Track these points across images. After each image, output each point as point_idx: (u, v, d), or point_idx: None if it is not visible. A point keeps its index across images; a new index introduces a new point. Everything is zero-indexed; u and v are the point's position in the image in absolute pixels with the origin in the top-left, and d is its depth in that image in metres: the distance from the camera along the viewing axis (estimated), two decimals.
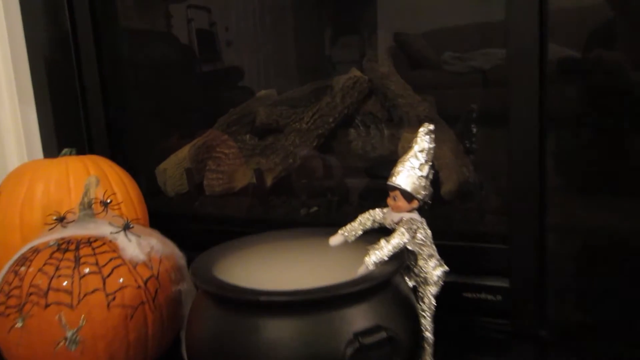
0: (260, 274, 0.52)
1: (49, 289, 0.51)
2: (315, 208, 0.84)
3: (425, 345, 0.52)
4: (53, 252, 0.54)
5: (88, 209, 0.60)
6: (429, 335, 0.52)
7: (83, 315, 0.51)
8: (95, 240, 0.56)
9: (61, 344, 0.51)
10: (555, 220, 0.61)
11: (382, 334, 0.43)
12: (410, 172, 0.52)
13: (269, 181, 0.87)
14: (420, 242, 0.52)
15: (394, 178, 0.52)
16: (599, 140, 0.60)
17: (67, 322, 0.51)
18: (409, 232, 0.50)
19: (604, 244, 0.61)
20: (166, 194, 0.96)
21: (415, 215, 0.52)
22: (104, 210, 0.61)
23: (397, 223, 0.52)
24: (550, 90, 0.59)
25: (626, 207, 0.59)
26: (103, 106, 0.91)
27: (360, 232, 0.55)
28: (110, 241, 0.56)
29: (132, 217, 0.68)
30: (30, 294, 0.52)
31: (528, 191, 0.61)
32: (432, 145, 0.53)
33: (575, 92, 0.61)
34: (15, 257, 0.57)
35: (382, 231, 0.54)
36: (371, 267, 0.48)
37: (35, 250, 0.55)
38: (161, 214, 0.79)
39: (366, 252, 0.49)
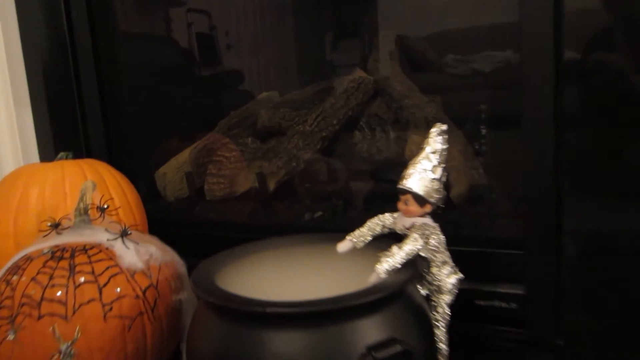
0: (265, 283, 0.50)
1: (42, 299, 0.50)
2: (319, 213, 0.83)
3: (440, 358, 0.50)
4: (47, 261, 0.53)
5: (84, 214, 0.59)
6: (443, 346, 0.50)
7: (78, 327, 0.50)
8: (92, 248, 0.54)
9: (55, 357, 0.49)
10: (573, 224, 0.60)
11: (397, 347, 0.41)
12: (422, 175, 0.50)
13: (271, 185, 0.86)
14: (434, 248, 0.49)
15: (405, 181, 0.50)
16: (618, 140, 0.59)
17: (62, 334, 0.49)
18: (422, 238, 0.47)
19: (624, 249, 0.58)
20: (166, 199, 0.95)
21: (428, 220, 0.50)
22: (100, 216, 0.60)
23: (409, 228, 0.50)
24: (566, 91, 0.58)
25: None
26: (101, 109, 0.90)
27: (369, 238, 0.53)
28: (107, 248, 0.55)
29: (130, 223, 0.68)
30: (23, 304, 0.50)
31: (544, 194, 0.60)
32: (445, 146, 0.51)
33: (592, 93, 0.60)
34: (8, 265, 0.55)
35: (392, 237, 0.52)
36: (383, 276, 0.46)
37: (29, 259, 0.54)
38: (160, 220, 0.78)
39: (377, 260, 0.46)
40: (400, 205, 0.51)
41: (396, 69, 0.84)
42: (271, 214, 0.86)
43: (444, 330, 0.50)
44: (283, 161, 0.86)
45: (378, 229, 0.53)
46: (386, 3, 0.83)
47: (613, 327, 0.60)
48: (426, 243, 0.48)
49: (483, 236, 0.71)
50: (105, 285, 0.51)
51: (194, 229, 0.87)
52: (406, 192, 0.50)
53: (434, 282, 0.50)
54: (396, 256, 0.46)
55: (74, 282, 0.51)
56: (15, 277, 0.52)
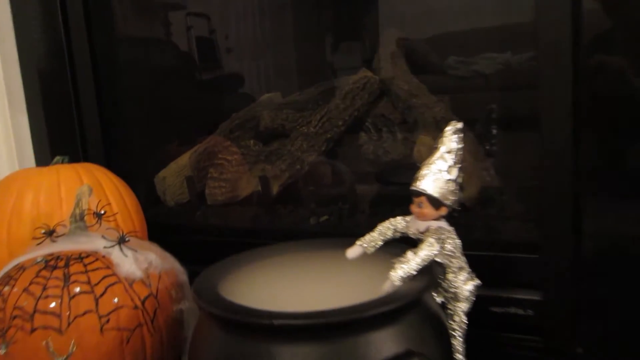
0: (271, 292, 0.48)
1: (35, 311, 0.48)
2: (325, 217, 0.81)
3: None
4: (40, 270, 0.51)
5: (80, 221, 0.57)
6: (460, 357, 0.48)
7: (73, 341, 0.48)
8: (87, 256, 0.53)
9: None
10: (591, 227, 0.57)
11: None
12: (437, 176, 0.47)
13: (275, 189, 0.85)
14: (450, 253, 0.47)
15: (419, 183, 0.48)
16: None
17: (56, 348, 0.48)
18: (439, 243, 0.45)
19: None
20: (166, 203, 0.94)
21: (444, 224, 0.48)
22: (97, 222, 0.59)
23: (423, 232, 0.48)
24: (583, 90, 0.56)
25: None
26: (98, 112, 0.89)
27: (380, 243, 0.51)
28: (104, 256, 0.53)
29: (128, 229, 0.67)
30: (15, 317, 0.49)
31: (561, 196, 0.57)
32: (460, 146, 0.49)
33: (610, 93, 0.58)
34: None
35: (404, 242, 0.50)
36: (397, 283, 0.43)
37: (21, 268, 0.52)
38: (160, 226, 0.77)
39: (390, 266, 0.44)
40: (414, 208, 0.48)
41: (403, 68, 0.83)
42: (275, 219, 0.85)
43: (461, 340, 0.48)
44: (286, 164, 0.84)
45: (389, 234, 0.51)
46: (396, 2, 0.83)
47: (635, 334, 0.58)
48: (442, 248, 0.46)
49: (496, 240, 0.69)
50: (101, 295, 0.50)
51: (195, 235, 0.86)
52: (420, 194, 0.47)
53: (450, 289, 0.48)
54: (411, 262, 0.44)
55: (69, 293, 0.49)
56: (6, 288, 0.50)
